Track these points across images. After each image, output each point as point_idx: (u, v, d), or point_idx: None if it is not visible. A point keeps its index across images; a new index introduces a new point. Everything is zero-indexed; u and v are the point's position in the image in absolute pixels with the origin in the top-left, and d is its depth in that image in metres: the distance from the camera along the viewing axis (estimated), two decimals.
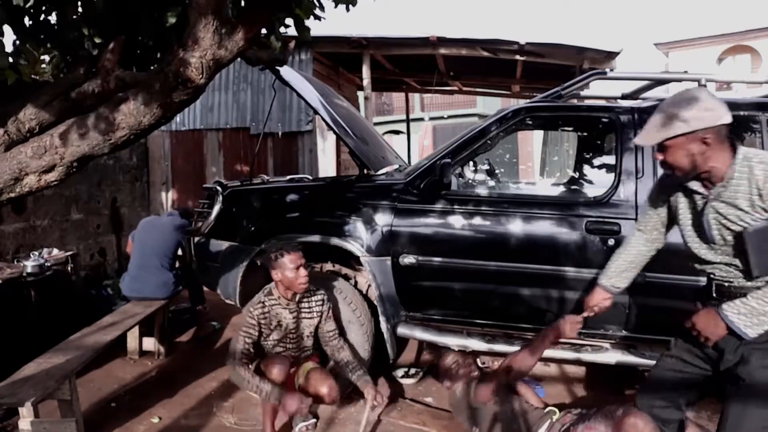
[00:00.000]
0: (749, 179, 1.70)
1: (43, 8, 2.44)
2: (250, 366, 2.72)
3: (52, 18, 2.54)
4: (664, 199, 2.01)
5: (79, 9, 2.48)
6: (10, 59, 2.43)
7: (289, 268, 2.71)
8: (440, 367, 3.07)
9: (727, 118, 1.69)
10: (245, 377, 2.61)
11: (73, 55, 2.64)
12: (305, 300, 2.88)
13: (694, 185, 1.81)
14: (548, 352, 2.96)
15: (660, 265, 2.33)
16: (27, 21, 2.46)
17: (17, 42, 2.55)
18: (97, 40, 2.53)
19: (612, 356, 2.88)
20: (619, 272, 2.17)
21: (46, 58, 3.03)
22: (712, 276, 1.87)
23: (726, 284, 1.82)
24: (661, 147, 1.78)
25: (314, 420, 3.00)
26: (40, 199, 5.29)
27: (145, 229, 4.32)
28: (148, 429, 3.04)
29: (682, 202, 1.91)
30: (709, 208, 1.78)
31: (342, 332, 3.05)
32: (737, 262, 1.77)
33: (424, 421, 3.00)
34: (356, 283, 3.43)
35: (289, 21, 2.90)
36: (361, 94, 9.00)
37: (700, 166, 1.74)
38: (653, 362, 2.82)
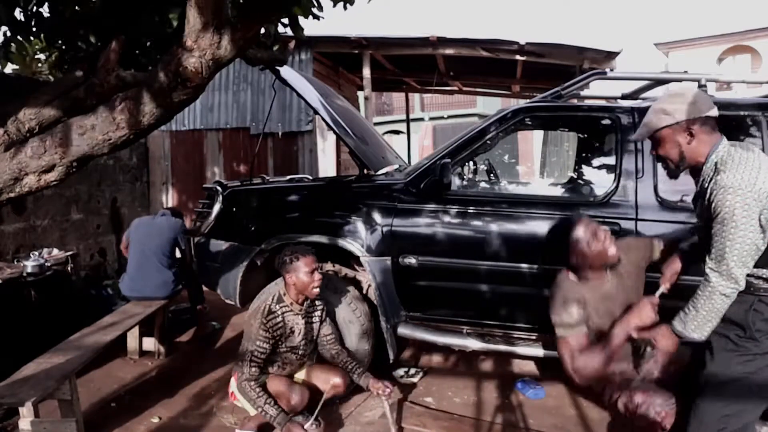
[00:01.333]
0: (705, 177, 1.80)
1: (35, 1, 2.44)
2: (257, 383, 2.68)
3: (45, 11, 2.54)
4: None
5: (77, 8, 2.48)
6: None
7: (303, 271, 2.69)
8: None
9: (712, 111, 1.79)
10: (252, 396, 2.59)
11: (71, 53, 2.64)
12: (312, 305, 2.88)
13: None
14: (550, 353, 2.97)
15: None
16: (19, 14, 2.46)
17: (8, 34, 2.55)
18: (92, 39, 2.53)
19: None
20: None
21: (42, 56, 3.05)
22: None
23: None
24: (654, 142, 1.90)
25: (315, 419, 3.00)
26: (40, 199, 5.29)
27: (141, 229, 4.31)
28: (148, 429, 3.04)
29: None
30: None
31: (339, 335, 3.05)
32: None
33: (424, 422, 3.00)
34: (356, 283, 3.43)
35: (284, 20, 2.90)
36: (361, 94, 9.00)
37: (690, 158, 1.83)
38: None
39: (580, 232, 2.33)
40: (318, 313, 2.92)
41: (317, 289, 2.74)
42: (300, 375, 2.96)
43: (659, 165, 2.89)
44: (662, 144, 1.87)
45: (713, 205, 1.73)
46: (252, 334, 2.69)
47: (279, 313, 2.74)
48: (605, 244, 2.29)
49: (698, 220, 1.92)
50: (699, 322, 1.78)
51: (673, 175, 1.92)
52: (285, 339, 2.78)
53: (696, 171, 1.87)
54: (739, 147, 1.79)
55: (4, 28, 2.50)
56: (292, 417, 2.61)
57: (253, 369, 2.64)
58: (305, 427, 2.87)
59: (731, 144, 1.80)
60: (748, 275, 1.73)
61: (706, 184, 1.80)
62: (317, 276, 2.72)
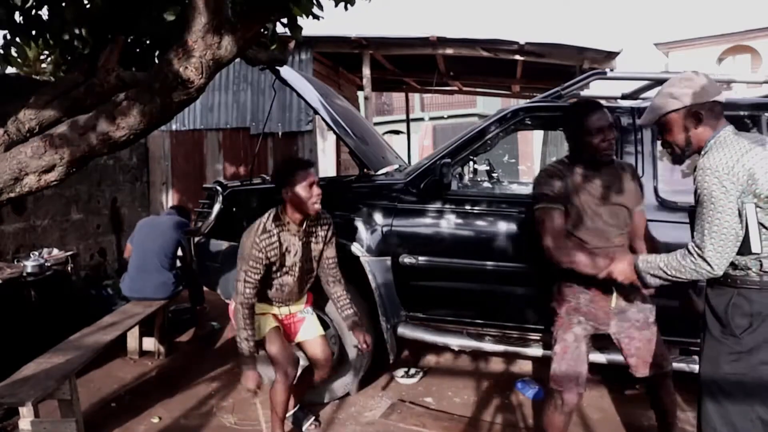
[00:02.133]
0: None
1: (34, 4, 2.44)
2: (250, 308, 2.54)
3: (44, 13, 2.54)
4: None
5: (78, 10, 2.48)
6: (0, 51, 2.43)
7: (301, 185, 2.44)
8: None
9: (719, 96, 1.77)
10: (240, 324, 2.49)
11: (71, 54, 2.64)
12: (314, 224, 2.66)
13: None
14: (550, 353, 2.97)
15: None
16: (18, 17, 2.45)
17: (7, 36, 2.55)
18: (90, 40, 2.52)
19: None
20: None
21: (49, 57, 3.04)
22: None
23: None
24: (660, 127, 1.88)
25: (315, 419, 3.00)
26: (40, 199, 5.29)
27: (144, 229, 4.32)
28: (148, 429, 3.04)
29: None
30: None
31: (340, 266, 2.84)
32: None
33: (424, 423, 3.00)
34: (356, 282, 3.43)
35: (283, 20, 2.90)
36: (361, 94, 9.00)
37: (695, 144, 1.81)
38: (679, 365, 2.84)
39: (595, 118, 2.21)
40: (323, 232, 2.69)
41: (317, 205, 2.50)
42: (301, 337, 2.80)
43: (659, 165, 2.92)
44: (668, 129, 1.84)
45: (696, 186, 1.73)
46: (245, 253, 2.50)
47: (274, 232, 2.51)
48: (608, 137, 2.21)
49: (695, 206, 1.87)
50: (658, 275, 1.84)
51: (677, 160, 1.90)
52: (281, 260, 2.56)
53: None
54: (744, 135, 1.76)
55: (4, 31, 2.50)
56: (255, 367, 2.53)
57: (248, 290, 2.49)
58: (304, 428, 2.89)
59: (736, 132, 1.76)
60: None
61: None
62: (316, 190, 2.47)
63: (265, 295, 2.67)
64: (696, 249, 1.72)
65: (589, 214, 2.24)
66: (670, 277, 1.81)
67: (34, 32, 2.55)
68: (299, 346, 2.83)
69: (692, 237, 1.78)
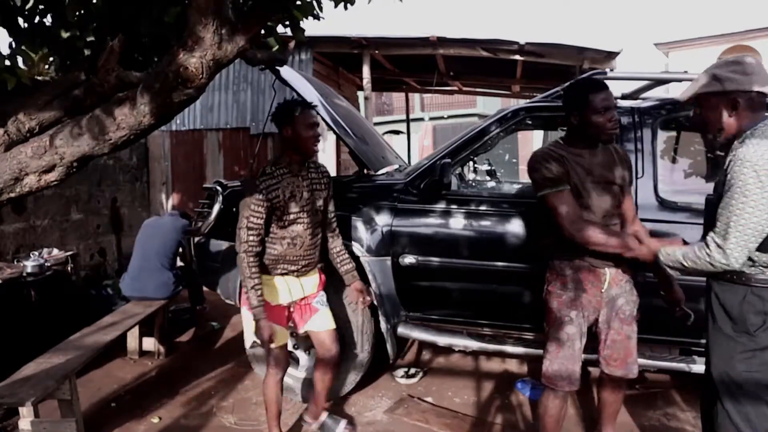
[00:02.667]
0: (732, 154, 1.71)
1: (39, 9, 2.43)
2: (256, 257, 2.44)
3: (47, 20, 2.53)
4: None
5: (81, 12, 2.47)
6: (7, 62, 2.42)
7: (302, 124, 2.43)
8: None
9: (765, 87, 1.70)
10: (245, 273, 2.40)
11: (72, 57, 2.63)
12: (313, 169, 2.62)
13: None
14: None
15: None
16: (22, 23, 2.45)
17: (13, 44, 2.54)
18: (89, 39, 2.52)
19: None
20: None
21: (49, 59, 3.02)
22: None
23: None
24: (697, 103, 1.83)
25: (348, 423, 2.93)
26: (40, 199, 5.29)
27: (147, 230, 4.33)
28: (148, 429, 3.04)
29: None
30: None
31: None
32: None
33: (428, 419, 3.02)
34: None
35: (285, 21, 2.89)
36: (361, 94, 9.00)
37: (728, 132, 1.76)
38: (666, 364, 2.83)
39: (602, 96, 2.17)
40: (325, 180, 2.65)
41: (316, 148, 2.51)
42: (311, 326, 2.69)
43: (659, 165, 2.91)
44: (705, 107, 1.80)
45: (728, 177, 1.67)
46: (246, 200, 2.44)
47: (275, 174, 2.47)
48: (614, 116, 2.19)
49: (713, 195, 1.84)
50: (676, 267, 1.84)
51: (709, 144, 1.89)
52: (286, 204, 2.47)
53: (729, 145, 1.80)
54: None
55: (9, 39, 2.49)
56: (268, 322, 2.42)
57: (251, 237, 2.41)
58: (338, 429, 2.83)
59: None
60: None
61: (729, 156, 1.73)
62: (317, 131, 2.47)
63: (279, 258, 2.53)
64: (715, 240, 1.68)
65: (587, 194, 2.22)
66: (687, 268, 1.79)
67: (38, 38, 2.54)
68: (306, 335, 2.77)
69: (705, 227, 1.76)
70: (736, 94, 1.70)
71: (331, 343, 2.70)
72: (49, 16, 2.49)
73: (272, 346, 2.52)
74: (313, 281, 2.69)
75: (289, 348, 3.30)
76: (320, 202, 2.61)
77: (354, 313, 3.16)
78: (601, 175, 2.24)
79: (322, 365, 2.75)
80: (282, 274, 2.57)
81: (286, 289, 2.59)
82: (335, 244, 2.73)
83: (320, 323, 2.70)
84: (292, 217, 2.49)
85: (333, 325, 2.74)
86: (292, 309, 2.65)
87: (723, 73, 1.73)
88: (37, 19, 2.49)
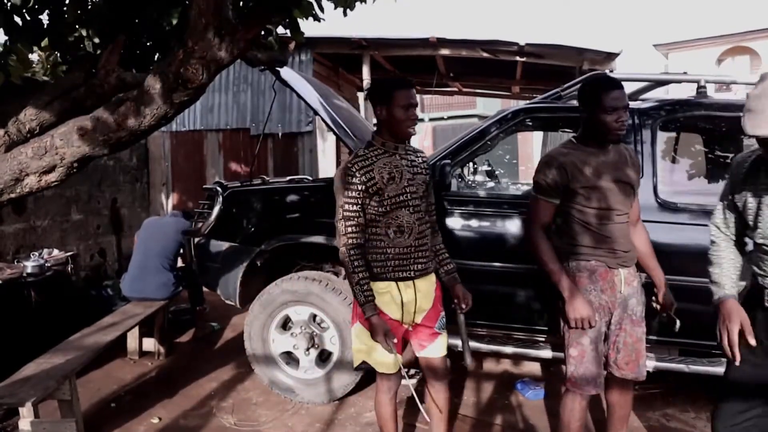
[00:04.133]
0: None
1: (36, 7, 2.43)
2: (358, 250, 2.13)
3: (44, 17, 2.53)
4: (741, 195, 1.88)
5: (80, 11, 2.48)
6: None
7: (400, 104, 2.12)
8: None
9: None
10: (348, 268, 2.13)
11: (72, 55, 2.63)
12: (411, 151, 2.30)
13: None
14: (551, 354, 2.97)
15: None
16: (18, 20, 2.44)
17: (8, 42, 2.54)
18: (96, 40, 2.52)
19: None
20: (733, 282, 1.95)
21: (35, 57, 3.00)
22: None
23: None
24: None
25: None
26: (40, 200, 5.29)
27: (148, 229, 4.33)
28: (148, 429, 3.04)
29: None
30: None
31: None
32: None
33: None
34: None
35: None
36: (361, 95, 9.01)
37: None
38: (665, 364, 2.84)
39: (613, 95, 2.14)
40: (424, 165, 2.32)
41: (412, 130, 2.19)
42: (428, 353, 2.35)
43: (659, 166, 2.91)
44: None
45: None
46: (338, 185, 2.16)
47: (369, 155, 2.17)
48: (623, 117, 2.16)
49: (752, 195, 1.76)
50: None
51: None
52: (384, 186, 2.14)
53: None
54: None
55: (5, 37, 2.49)
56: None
57: (350, 228, 2.12)
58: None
59: None
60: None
61: None
62: (413, 113, 2.16)
63: (388, 254, 2.18)
64: None
65: (598, 192, 2.21)
66: None
67: (35, 35, 2.54)
68: (418, 360, 2.43)
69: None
70: None
71: (444, 369, 2.39)
72: (46, 13, 2.49)
73: (382, 371, 2.28)
74: (429, 289, 2.30)
75: (289, 348, 3.32)
76: (422, 187, 2.27)
77: None
78: (612, 173, 2.23)
79: (434, 390, 2.40)
80: (394, 279, 2.19)
81: (400, 302, 2.20)
82: (435, 241, 2.39)
83: (438, 350, 2.35)
84: (394, 200, 2.16)
85: (445, 350, 2.40)
86: (409, 329, 2.31)
87: None
88: (33, 15, 2.49)
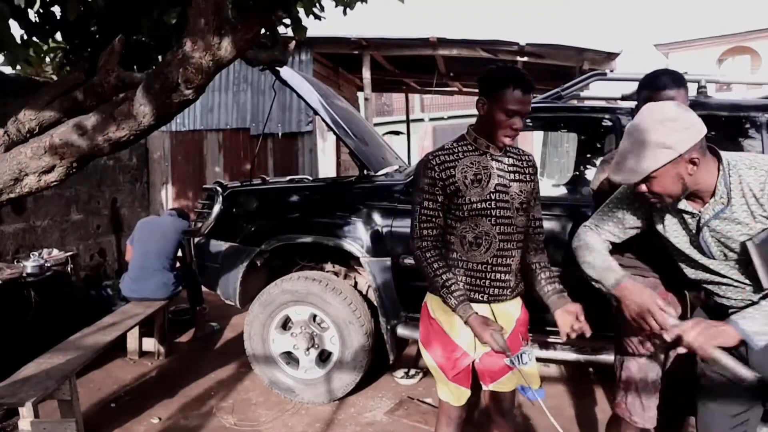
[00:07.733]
0: (741, 188, 1.58)
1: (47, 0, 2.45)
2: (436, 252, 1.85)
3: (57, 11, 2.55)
4: (644, 211, 1.84)
5: (81, 9, 2.48)
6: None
7: (503, 106, 1.76)
8: None
9: (704, 128, 1.57)
10: (425, 270, 1.84)
11: (76, 53, 2.64)
12: (513, 153, 1.96)
13: (683, 205, 1.67)
14: (551, 354, 2.97)
15: None
16: (32, 15, 2.46)
17: (24, 36, 2.56)
18: (95, 38, 2.53)
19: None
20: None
21: (47, 58, 3.04)
22: (714, 293, 1.78)
23: (726, 301, 1.74)
24: (645, 180, 1.60)
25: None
26: (40, 200, 5.29)
27: (145, 230, 4.32)
28: (148, 429, 3.04)
29: (670, 223, 1.76)
30: (704, 228, 1.66)
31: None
32: (742, 277, 1.68)
33: (427, 420, 3.02)
34: (356, 283, 3.44)
35: (286, 20, 2.90)
36: (361, 95, 9.01)
37: (691, 186, 1.61)
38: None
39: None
40: (530, 170, 1.97)
41: (508, 139, 1.82)
42: (498, 386, 1.98)
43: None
44: (659, 181, 1.58)
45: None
46: (418, 179, 1.90)
47: (455, 149, 1.89)
48: (514, 123, 1.81)
49: (718, 249, 1.67)
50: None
51: (664, 203, 1.68)
52: (464, 187, 1.84)
53: (692, 196, 1.66)
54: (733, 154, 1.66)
55: (21, 31, 2.50)
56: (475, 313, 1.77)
57: (427, 230, 1.85)
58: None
59: (724, 152, 1.65)
60: None
61: (736, 197, 1.58)
62: (517, 123, 1.79)
63: (458, 268, 1.88)
64: None
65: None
66: None
67: (48, 29, 2.55)
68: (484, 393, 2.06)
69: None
70: (691, 151, 1.54)
71: (511, 403, 2.06)
72: (58, 7, 2.50)
73: (453, 404, 1.98)
74: (510, 315, 1.94)
75: (289, 348, 3.32)
76: (521, 197, 1.91)
77: (354, 314, 3.16)
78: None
79: (498, 427, 2.09)
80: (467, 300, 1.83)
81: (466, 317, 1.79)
82: (539, 258, 1.99)
83: (510, 383, 1.98)
84: (475, 206, 1.85)
85: (515, 384, 1.99)
86: (477, 360, 1.94)
87: (668, 138, 1.54)
88: (44, 9, 2.50)
